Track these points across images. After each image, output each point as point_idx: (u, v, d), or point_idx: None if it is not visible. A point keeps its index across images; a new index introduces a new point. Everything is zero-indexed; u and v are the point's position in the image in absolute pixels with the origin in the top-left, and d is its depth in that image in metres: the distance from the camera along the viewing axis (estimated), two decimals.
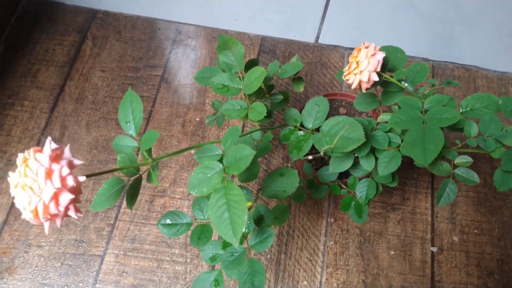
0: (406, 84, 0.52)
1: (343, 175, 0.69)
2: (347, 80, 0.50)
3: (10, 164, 0.83)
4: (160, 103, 0.90)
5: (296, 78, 0.57)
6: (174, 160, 0.84)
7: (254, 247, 0.47)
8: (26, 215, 0.34)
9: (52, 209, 0.33)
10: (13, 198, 0.77)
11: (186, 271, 0.74)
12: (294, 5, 0.86)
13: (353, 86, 0.49)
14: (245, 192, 0.53)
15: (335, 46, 0.96)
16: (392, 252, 0.78)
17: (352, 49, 0.94)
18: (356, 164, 0.63)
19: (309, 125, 0.56)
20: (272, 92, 0.60)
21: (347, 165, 0.57)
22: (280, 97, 0.57)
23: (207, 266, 0.74)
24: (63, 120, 0.88)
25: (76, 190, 0.35)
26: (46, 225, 0.34)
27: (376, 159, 0.56)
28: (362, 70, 0.47)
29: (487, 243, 0.79)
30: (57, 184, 0.33)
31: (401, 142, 0.54)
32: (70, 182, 0.34)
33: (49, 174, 0.33)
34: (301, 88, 0.56)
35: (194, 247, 0.51)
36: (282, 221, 0.54)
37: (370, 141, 0.54)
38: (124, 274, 0.75)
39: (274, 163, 0.84)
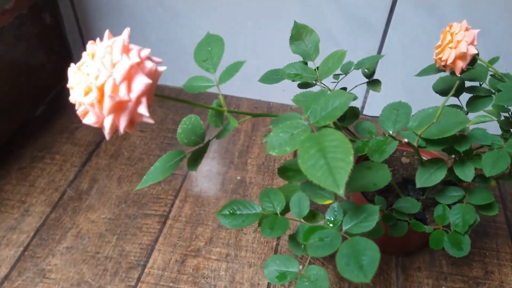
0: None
1: (416, 217, 0.58)
2: (440, 58, 0.45)
3: (27, 215, 0.73)
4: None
5: (373, 80, 0.52)
6: (211, 218, 0.74)
7: (352, 230, 0.36)
8: (86, 100, 0.26)
9: (123, 92, 0.25)
10: (22, 251, 0.66)
11: None
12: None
13: (449, 61, 0.44)
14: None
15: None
16: None
17: None
18: (443, 189, 0.54)
19: (390, 130, 0.49)
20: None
21: (438, 177, 0.48)
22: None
23: None
24: (94, 174, 0.81)
25: (153, 79, 0.27)
26: (108, 121, 0.26)
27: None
28: (459, 41, 0.42)
29: None
30: (135, 58, 0.26)
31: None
32: (149, 64, 0.27)
33: (125, 49, 0.26)
34: (378, 89, 0.51)
35: (265, 236, 0.39)
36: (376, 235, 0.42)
37: (469, 138, 0.46)
38: None
39: None
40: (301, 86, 0.51)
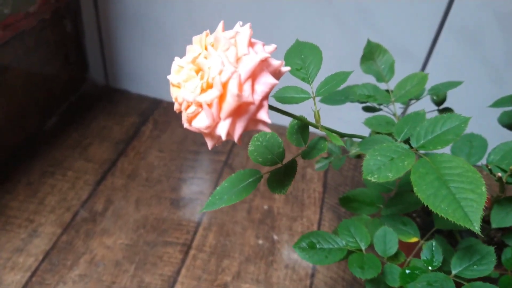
0: None
1: None
2: None
3: (35, 236, 0.66)
4: None
5: (445, 108, 0.49)
6: (238, 250, 0.68)
7: (464, 274, 0.31)
8: (203, 98, 0.21)
9: (247, 92, 0.21)
10: (29, 276, 0.59)
11: None
12: None
13: None
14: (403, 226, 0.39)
15: None
16: None
17: None
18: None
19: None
20: None
21: None
22: None
23: None
24: (109, 194, 0.74)
25: (277, 80, 0.23)
26: (224, 127, 0.21)
27: None
28: None
29: None
30: (262, 53, 0.21)
31: None
32: (275, 62, 0.22)
33: (251, 43, 0.22)
34: None
35: (357, 276, 0.34)
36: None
37: None
38: None
39: None
40: (367, 109, 0.47)
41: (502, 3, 0.67)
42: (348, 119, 0.82)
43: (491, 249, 0.33)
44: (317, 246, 0.35)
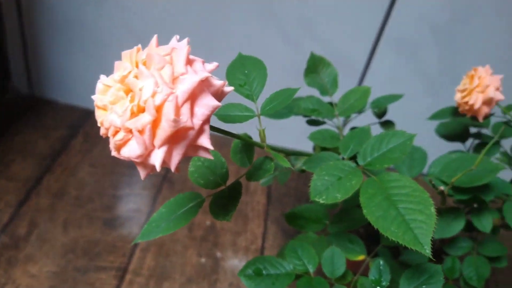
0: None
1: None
2: (466, 102, 0.43)
3: None
4: (161, 203, 0.74)
5: (386, 121, 0.49)
6: (179, 270, 0.64)
7: None
8: (133, 123, 0.18)
9: (185, 116, 0.18)
10: None
11: None
12: None
13: (476, 106, 0.42)
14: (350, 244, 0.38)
15: None
16: None
17: None
18: (453, 240, 0.51)
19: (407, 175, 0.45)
20: None
21: (456, 227, 0.45)
22: None
23: None
24: (33, 216, 0.67)
25: (219, 101, 0.20)
26: (159, 155, 0.18)
27: None
28: (488, 85, 0.41)
29: None
30: (202, 72, 0.19)
31: None
32: (217, 82, 0.20)
33: (189, 61, 0.19)
34: (393, 129, 0.48)
35: None
36: None
37: (493, 187, 0.44)
38: None
39: None
40: (311, 123, 0.46)
41: (437, 15, 0.70)
42: (293, 129, 0.82)
43: (439, 267, 0.32)
44: (264, 272, 0.33)
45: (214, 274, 0.64)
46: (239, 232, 0.72)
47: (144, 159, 0.19)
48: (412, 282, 0.31)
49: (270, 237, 0.72)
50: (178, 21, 0.77)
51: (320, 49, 0.76)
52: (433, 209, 0.26)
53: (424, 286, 0.31)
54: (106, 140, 0.70)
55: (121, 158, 0.20)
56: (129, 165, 0.79)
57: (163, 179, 0.78)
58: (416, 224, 0.26)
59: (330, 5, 0.72)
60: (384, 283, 0.32)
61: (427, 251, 0.25)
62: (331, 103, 0.45)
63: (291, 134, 0.82)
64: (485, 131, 0.53)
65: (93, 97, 0.22)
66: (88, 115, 0.90)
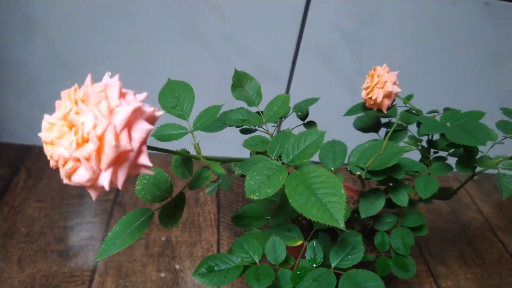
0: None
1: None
2: (370, 97, 0.50)
3: None
4: None
5: (309, 121, 0.55)
6: (141, 285, 0.66)
7: (341, 265, 0.36)
8: (80, 153, 0.22)
9: (124, 141, 0.22)
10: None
11: None
12: None
13: (378, 100, 0.49)
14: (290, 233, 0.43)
15: None
16: None
17: None
18: (379, 218, 0.58)
19: (331, 167, 0.51)
20: None
21: (378, 205, 0.52)
22: None
23: None
24: None
25: (152, 125, 0.25)
26: (106, 177, 0.22)
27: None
28: (386, 81, 0.48)
29: None
30: (135, 102, 0.23)
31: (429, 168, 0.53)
32: (148, 108, 0.24)
33: (122, 94, 0.24)
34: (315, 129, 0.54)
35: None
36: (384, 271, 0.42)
37: (402, 167, 0.51)
38: None
39: None
40: (244, 131, 0.51)
41: (346, 22, 0.78)
42: (232, 138, 0.87)
43: (359, 239, 0.38)
44: (216, 268, 0.37)
45: (175, 286, 0.67)
46: (194, 243, 0.75)
47: (93, 182, 0.23)
48: (340, 255, 0.37)
49: (225, 242, 0.76)
50: (107, 49, 0.79)
51: (247, 63, 0.82)
52: (343, 191, 0.32)
53: (349, 256, 0.36)
54: (50, 173, 0.71)
55: (72, 184, 0.23)
56: (77, 195, 0.80)
57: (114, 203, 0.80)
58: (331, 205, 0.32)
59: (248, 21, 0.78)
60: (318, 260, 0.38)
61: (341, 225, 0.31)
62: (258, 112, 0.50)
63: (232, 142, 0.88)
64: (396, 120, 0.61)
65: (39, 134, 0.25)
66: (26, 150, 0.89)
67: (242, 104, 0.52)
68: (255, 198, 0.34)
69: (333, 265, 0.37)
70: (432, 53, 0.85)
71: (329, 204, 0.32)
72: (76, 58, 0.80)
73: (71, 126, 0.23)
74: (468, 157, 0.51)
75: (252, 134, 0.51)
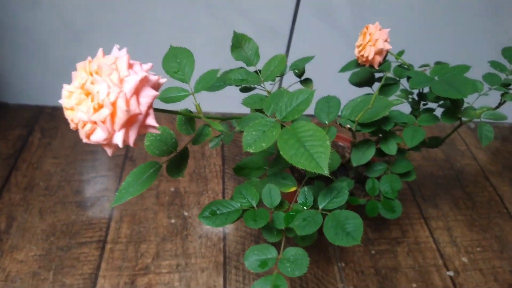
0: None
1: None
2: (362, 55, 0.52)
3: None
4: None
5: (305, 79, 0.58)
6: (153, 233, 0.73)
7: (328, 206, 0.40)
8: (97, 117, 0.26)
9: (134, 106, 0.26)
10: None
11: None
12: None
13: (370, 57, 0.52)
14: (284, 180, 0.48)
15: None
16: (414, 285, 0.72)
17: None
18: (370, 165, 0.62)
19: (325, 120, 0.55)
20: None
21: (369, 154, 0.56)
22: None
23: None
24: (9, 211, 0.73)
25: (157, 91, 0.28)
26: (120, 136, 0.26)
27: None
28: (377, 39, 0.50)
29: (493, 258, 0.78)
30: (141, 72, 0.27)
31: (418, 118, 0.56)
32: (153, 77, 0.28)
33: (130, 65, 0.27)
34: (311, 86, 0.57)
35: (251, 227, 0.42)
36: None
37: (391, 119, 0.55)
38: None
39: None
40: (244, 90, 0.55)
41: None
42: (233, 95, 0.90)
43: (344, 184, 0.43)
44: (218, 212, 0.42)
45: (184, 231, 0.73)
46: (201, 192, 0.81)
47: (109, 141, 0.27)
48: (327, 198, 0.42)
49: (229, 191, 0.82)
50: (110, 12, 0.81)
51: (247, 21, 0.84)
52: (328, 142, 0.36)
53: (335, 200, 0.41)
54: (63, 132, 0.76)
55: (91, 143, 0.28)
56: (90, 151, 0.86)
57: (125, 158, 0.85)
58: (318, 155, 0.36)
59: None
60: (309, 203, 0.42)
61: (326, 172, 0.35)
62: (256, 72, 0.53)
63: (233, 98, 0.91)
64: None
65: (60, 101, 0.29)
66: (40, 111, 0.93)
67: (242, 64, 0.55)
68: (252, 151, 0.38)
69: (321, 207, 0.42)
70: (435, 3, 0.85)
71: (315, 154, 0.36)
72: (80, 21, 0.82)
73: (88, 94, 0.26)
74: (453, 108, 0.55)
75: (252, 92, 0.55)
